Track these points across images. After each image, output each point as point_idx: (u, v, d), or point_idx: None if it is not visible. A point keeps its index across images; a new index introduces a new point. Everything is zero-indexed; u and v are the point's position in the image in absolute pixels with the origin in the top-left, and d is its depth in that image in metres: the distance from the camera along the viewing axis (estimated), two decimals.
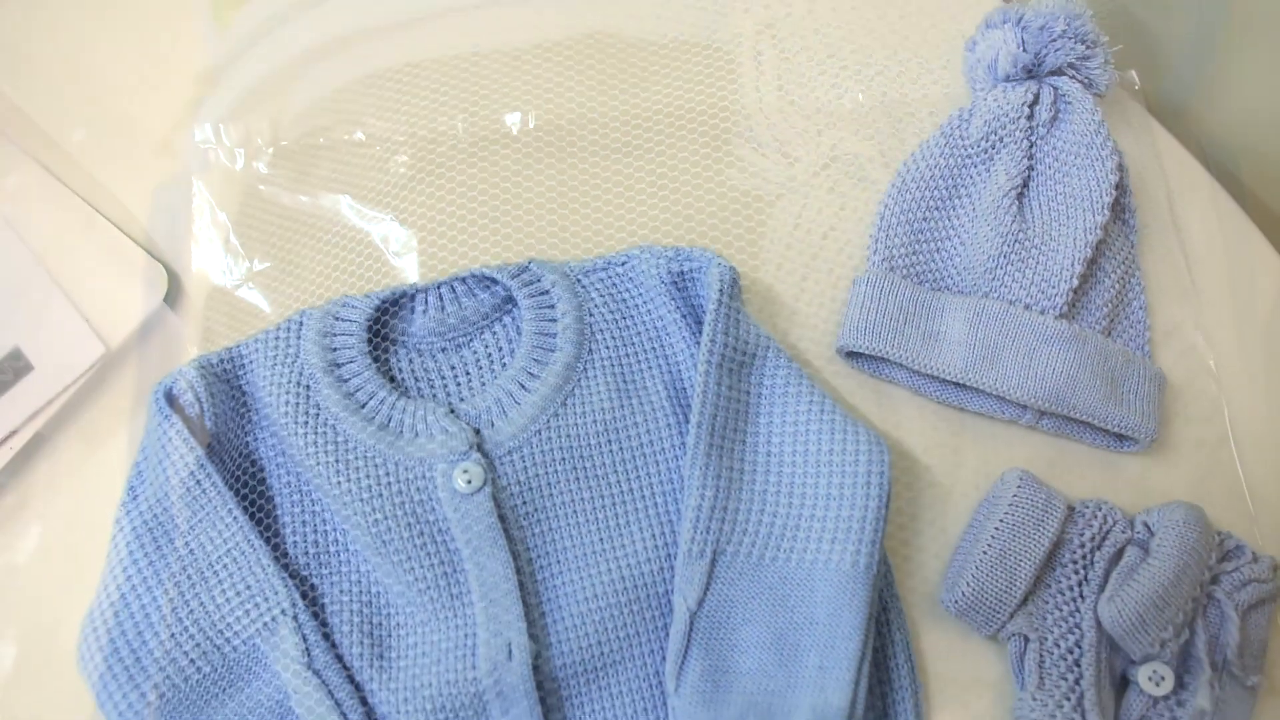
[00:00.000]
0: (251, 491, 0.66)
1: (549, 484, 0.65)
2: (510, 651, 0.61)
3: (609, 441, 0.66)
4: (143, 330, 0.72)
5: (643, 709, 0.62)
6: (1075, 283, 0.67)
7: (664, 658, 0.62)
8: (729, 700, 0.59)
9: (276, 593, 0.62)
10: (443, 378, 0.69)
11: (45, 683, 0.65)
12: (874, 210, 0.73)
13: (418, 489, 0.64)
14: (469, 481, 0.64)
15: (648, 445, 0.66)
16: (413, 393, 0.68)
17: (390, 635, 0.64)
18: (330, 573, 0.65)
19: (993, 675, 0.66)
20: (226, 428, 0.67)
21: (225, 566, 0.63)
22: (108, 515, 0.65)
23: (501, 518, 0.64)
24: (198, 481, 0.64)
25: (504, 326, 0.70)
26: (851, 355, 0.71)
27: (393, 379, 0.68)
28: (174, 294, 0.73)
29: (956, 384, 0.69)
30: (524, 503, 0.64)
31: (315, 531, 0.66)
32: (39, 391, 0.70)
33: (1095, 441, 0.69)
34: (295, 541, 0.65)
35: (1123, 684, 0.64)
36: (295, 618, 0.62)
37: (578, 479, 0.65)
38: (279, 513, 0.66)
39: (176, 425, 0.64)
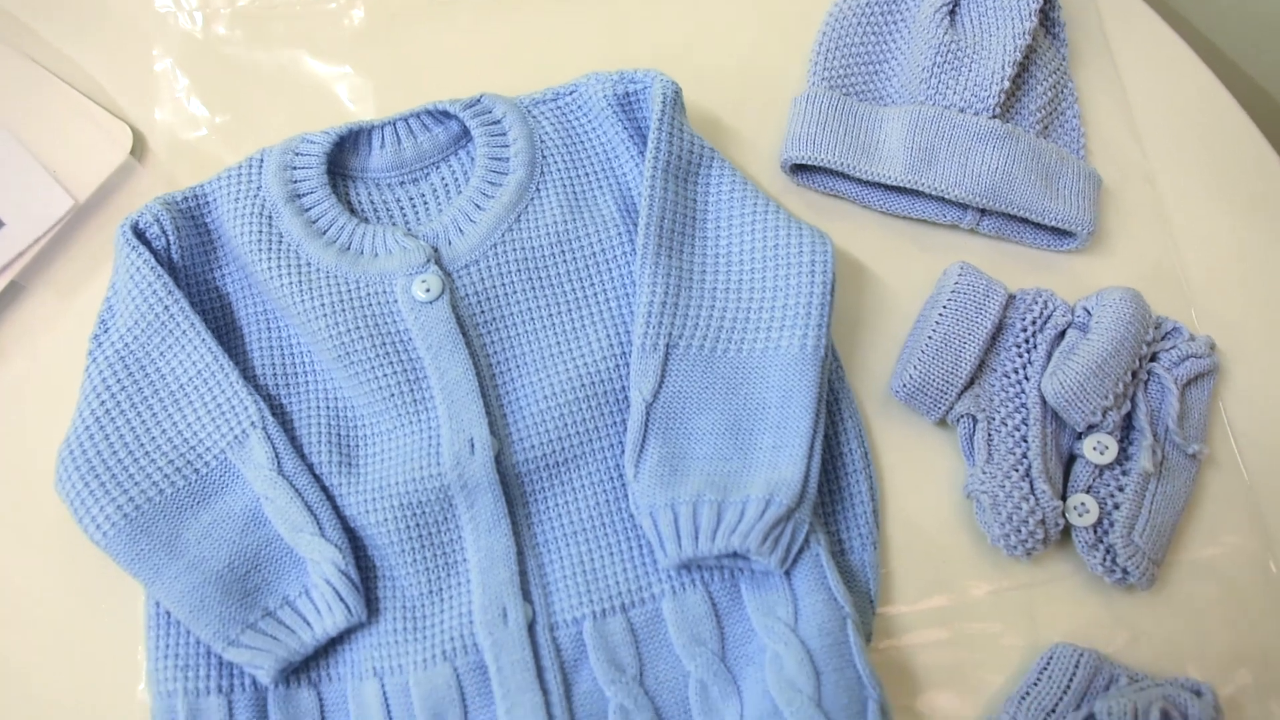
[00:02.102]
0: (219, 322, 0.68)
1: (506, 294, 0.67)
2: (473, 446, 0.63)
3: (562, 253, 0.68)
4: (110, 184, 0.74)
5: (604, 500, 0.64)
6: (1006, 85, 0.70)
7: (623, 451, 0.64)
8: (686, 481, 0.61)
9: (245, 407, 0.64)
10: (401, 208, 0.71)
11: (21, 519, 0.67)
12: (812, 39, 0.75)
13: (379, 302, 0.66)
14: (428, 290, 0.66)
15: (600, 255, 0.68)
16: (372, 222, 0.70)
17: (357, 445, 0.65)
18: (297, 393, 0.67)
19: (944, 462, 0.68)
20: (193, 261, 0.69)
21: (195, 387, 0.65)
22: (81, 359, 0.67)
23: (460, 326, 0.66)
24: (165, 307, 0.66)
25: (459, 160, 0.72)
26: (796, 172, 0.73)
27: (353, 210, 0.70)
28: (139, 150, 0.75)
29: (899, 191, 0.72)
30: (482, 312, 0.66)
31: (282, 355, 0.68)
32: (10, 245, 0.72)
33: (1035, 242, 0.72)
34: (263, 365, 0.67)
35: (1070, 461, 0.66)
36: (264, 429, 0.64)
37: (533, 288, 0.67)
38: (246, 341, 0.68)
39: (144, 255, 0.66)
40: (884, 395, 0.69)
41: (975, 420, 0.66)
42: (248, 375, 0.67)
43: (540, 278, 0.67)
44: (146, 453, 0.63)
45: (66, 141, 0.75)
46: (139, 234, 0.67)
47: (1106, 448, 0.65)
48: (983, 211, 0.71)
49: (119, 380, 0.65)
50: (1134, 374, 0.65)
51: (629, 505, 0.64)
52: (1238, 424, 0.68)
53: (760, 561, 0.59)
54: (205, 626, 0.60)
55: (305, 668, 0.62)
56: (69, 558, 0.66)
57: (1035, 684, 0.62)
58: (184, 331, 0.65)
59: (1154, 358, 0.67)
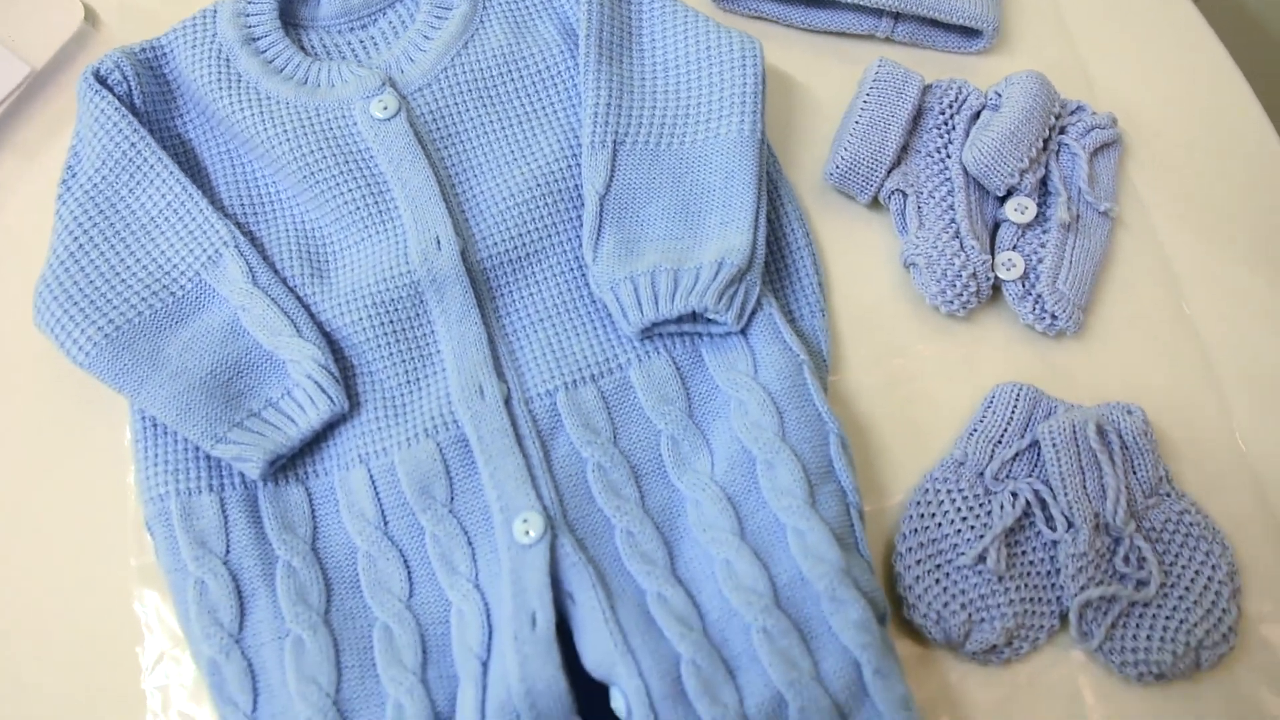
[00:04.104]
0: (184, 165, 0.71)
1: (459, 112, 0.71)
2: (439, 243, 0.66)
3: (510, 72, 0.72)
4: (66, 52, 0.77)
5: (566, 288, 0.68)
6: None
7: (581, 244, 0.68)
8: (642, 258, 0.65)
9: (217, 230, 0.67)
10: (353, 50, 0.75)
11: None
12: None
13: (339, 125, 0.70)
14: (385, 109, 0.69)
15: (546, 73, 0.72)
16: (324, 61, 0.74)
17: (327, 260, 0.68)
18: (266, 222, 0.70)
19: (879, 242, 0.72)
20: (155, 108, 0.71)
21: (166, 217, 0.68)
22: (46, 220, 0.69)
23: (419, 143, 0.69)
24: (132, 144, 0.68)
25: (404, 6, 0.76)
26: None
27: (306, 53, 0.74)
28: (92, 21, 0.78)
29: (818, 5, 0.77)
30: (438, 128, 0.70)
31: (248, 189, 0.71)
32: None
33: (946, 45, 0.78)
34: (230, 200, 0.70)
35: (995, 229, 0.72)
36: (237, 247, 0.67)
37: (485, 105, 0.71)
38: (213, 180, 0.71)
39: (108, 98, 0.69)
40: (820, 191, 0.74)
41: (905, 195, 0.71)
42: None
43: (491, 96, 0.71)
44: (122, 279, 0.66)
45: (18, 16, 0.77)
46: (101, 80, 0.70)
47: (1026, 208, 0.70)
48: (896, 18, 0.77)
49: (90, 217, 0.67)
50: (1045, 143, 0.71)
51: (590, 291, 0.67)
52: (1142, 191, 0.74)
53: (718, 320, 0.64)
54: (192, 427, 0.62)
55: (292, 466, 0.65)
56: (50, 397, 0.68)
57: (981, 420, 0.66)
58: (151, 165, 0.68)
59: (1063, 130, 0.72)
